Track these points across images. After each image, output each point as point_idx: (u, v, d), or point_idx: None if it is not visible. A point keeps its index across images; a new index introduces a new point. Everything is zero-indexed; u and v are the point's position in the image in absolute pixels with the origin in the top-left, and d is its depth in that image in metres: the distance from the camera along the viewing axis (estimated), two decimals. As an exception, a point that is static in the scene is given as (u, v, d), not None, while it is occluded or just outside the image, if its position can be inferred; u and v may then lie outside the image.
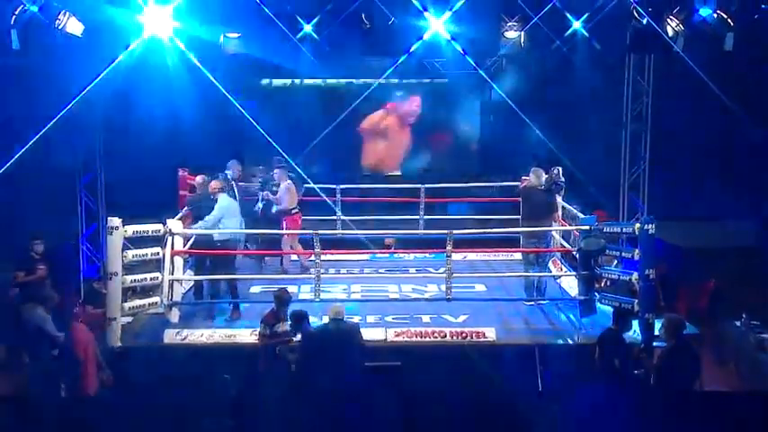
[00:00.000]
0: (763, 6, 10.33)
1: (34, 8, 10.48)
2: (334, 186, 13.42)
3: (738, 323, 10.60)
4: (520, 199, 11.55)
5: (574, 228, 10.84)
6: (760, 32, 10.52)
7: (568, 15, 11.63)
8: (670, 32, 11.39)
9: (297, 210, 12.22)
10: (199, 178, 11.69)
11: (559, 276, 11.46)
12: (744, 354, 10.24)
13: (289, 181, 12.16)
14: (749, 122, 11.60)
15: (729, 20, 11.03)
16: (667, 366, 8.52)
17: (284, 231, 11.96)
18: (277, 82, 15.54)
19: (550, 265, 11.74)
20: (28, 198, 13.13)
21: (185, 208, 11.66)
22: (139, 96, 13.82)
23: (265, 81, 15.52)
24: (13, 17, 10.09)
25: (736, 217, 12.14)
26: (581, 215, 11.12)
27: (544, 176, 11.16)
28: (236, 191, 11.63)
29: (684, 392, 8.36)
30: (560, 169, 11.55)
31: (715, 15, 11.13)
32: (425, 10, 11.94)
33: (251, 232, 11.56)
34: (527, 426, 6.81)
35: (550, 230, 11.25)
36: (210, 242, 10.65)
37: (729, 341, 10.51)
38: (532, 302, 10.82)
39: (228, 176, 11.76)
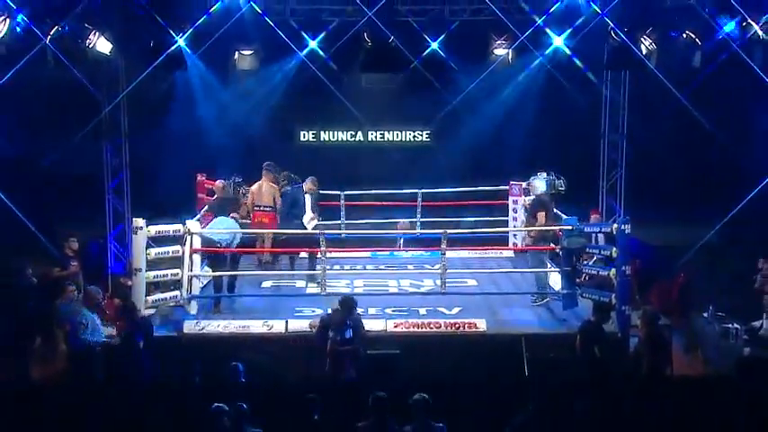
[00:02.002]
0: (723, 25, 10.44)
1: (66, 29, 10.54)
2: (338, 192, 13.46)
3: (705, 314, 10.64)
4: (532, 206, 11.38)
5: (557, 227, 10.86)
6: (724, 51, 10.60)
7: (552, 35, 11.67)
8: (644, 51, 11.43)
9: (258, 208, 11.86)
10: (219, 182, 11.74)
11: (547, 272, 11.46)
12: (710, 342, 10.28)
13: (259, 182, 12.03)
14: (714, 132, 11.67)
15: (697, 39, 11.10)
16: (643, 354, 8.58)
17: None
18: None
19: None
20: (60, 200, 13.18)
21: (204, 209, 11.72)
22: (162, 108, 13.90)
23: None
24: (48, 36, 10.14)
25: (703, 217, 12.18)
26: (564, 216, 11.14)
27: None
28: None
29: (657, 377, 8.42)
30: (545, 174, 11.59)
31: (684, 36, 11.20)
32: (422, 30, 12.04)
33: (240, 232, 11.24)
34: (514, 407, 6.84)
35: (543, 229, 11.16)
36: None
37: (697, 330, 10.55)
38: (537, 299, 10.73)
39: (304, 188, 11.79)
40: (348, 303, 8.92)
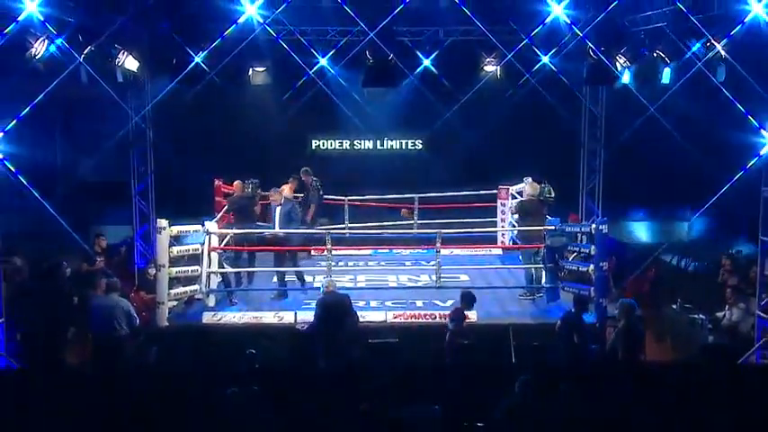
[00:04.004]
0: (690, 45, 10.52)
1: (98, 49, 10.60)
2: (342, 198, 13.50)
3: (674, 306, 10.70)
4: (518, 208, 11.52)
5: (541, 228, 10.90)
6: (690, 68, 10.67)
7: (538, 52, 11.71)
8: (619, 68, 11.49)
9: None
10: (237, 182, 11.82)
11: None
12: (678, 331, 10.34)
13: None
14: (683, 141, 11.72)
15: (666, 58, 11.17)
16: (620, 342, 8.63)
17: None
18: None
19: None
20: (93, 202, 13.23)
21: (225, 207, 11.77)
22: (182, 120, 13.95)
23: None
24: (82, 56, 10.22)
25: (672, 218, 12.25)
26: (548, 216, 11.18)
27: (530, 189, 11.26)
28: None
29: (631, 362, 8.48)
30: (530, 179, 11.63)
31: (654, 54, 11.27)
32: (418, 49, 12.09)
33: (252, 232, 11.32)
34: (502, 389, 6.89)
35: (525, 230, 11.21)
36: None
37: (667, 321, 10.61)
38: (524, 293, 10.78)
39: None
40: (469, 297, 8.95)
